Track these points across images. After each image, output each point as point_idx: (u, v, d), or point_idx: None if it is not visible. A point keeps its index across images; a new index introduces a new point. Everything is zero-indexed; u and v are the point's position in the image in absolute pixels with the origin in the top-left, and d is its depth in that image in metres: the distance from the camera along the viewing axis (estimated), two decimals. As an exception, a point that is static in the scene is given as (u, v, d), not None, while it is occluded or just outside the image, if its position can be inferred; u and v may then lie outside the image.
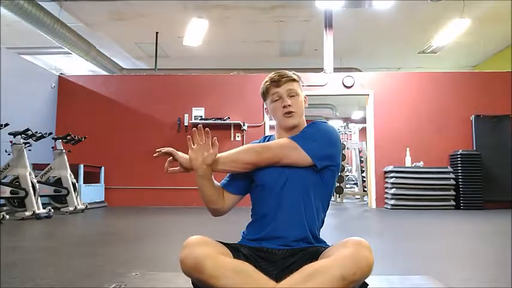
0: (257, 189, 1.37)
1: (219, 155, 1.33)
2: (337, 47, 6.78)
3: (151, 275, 1.65)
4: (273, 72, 1.40)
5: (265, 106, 1.44)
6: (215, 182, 1.38)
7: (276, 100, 1.36)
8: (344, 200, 8.02)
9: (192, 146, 1.31)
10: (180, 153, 1.36)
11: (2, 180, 4.43)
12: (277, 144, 1.33)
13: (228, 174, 1.45)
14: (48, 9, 5.90)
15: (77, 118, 6.83)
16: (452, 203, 5.97)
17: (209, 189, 1.35)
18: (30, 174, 4.45)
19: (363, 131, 8.47)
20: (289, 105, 1.33)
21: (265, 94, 1.40)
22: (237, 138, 6.71)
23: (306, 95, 1.44)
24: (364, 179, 8.41)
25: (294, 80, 1.37)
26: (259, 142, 1.42)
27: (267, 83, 1.38)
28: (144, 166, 6.64)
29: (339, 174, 8.04)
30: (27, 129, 4.57)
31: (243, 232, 1.38)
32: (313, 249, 1.24)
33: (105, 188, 6.54)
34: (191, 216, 5.05)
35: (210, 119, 6.66)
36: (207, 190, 1.34)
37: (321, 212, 1.35)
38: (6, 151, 4.61)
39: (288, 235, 1.27)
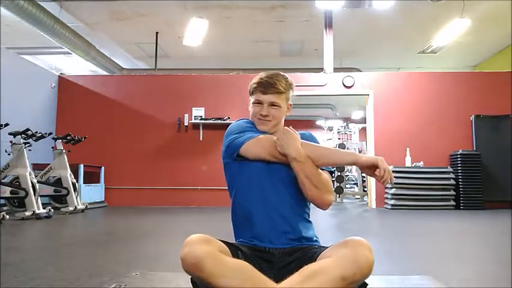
0: (237, 184, 1.37)
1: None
2: (337, 47, 6.78)
3: (151, 275, 1.66)
4: (266, 72, 1.41)
5: (249, 98, 1.46)
6: None
7: (257, 104, 1.39)
8: (344, 200, 8.02)
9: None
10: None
11: (2, 180, 4.43)
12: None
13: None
14: (48, 9, 5.89)
15: (77, 118, 6.83)
16: (452, 203, 5.96)
17: None
18: (30, 174, 4.45)
19: (363, 131, 8.47)
20: (266, 116, 1.37)
21: (250, 93, 1.44)
22: (237, 138, 6.69)
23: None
24: (364, 179, 8.41)
25: (282, 92, 1.38)
26: (242, 127, 1.41)
27: (255, 85, 1.40)
28: (144, 166, 6.64)
29: (339, 174, 7.98)
30: (27, 129, 4.57)
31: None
32: (312, 249, 1.25)
33: (105, 188, 6.53)
34: (191, 216, 5.06)
35: (210, 119, 6.66)
36: None
37: (302, 203, 1.36)
38: (6, 151, 4.61)
39: (273, 231, 1.28)
